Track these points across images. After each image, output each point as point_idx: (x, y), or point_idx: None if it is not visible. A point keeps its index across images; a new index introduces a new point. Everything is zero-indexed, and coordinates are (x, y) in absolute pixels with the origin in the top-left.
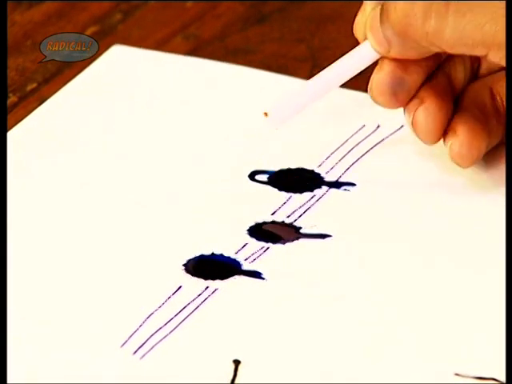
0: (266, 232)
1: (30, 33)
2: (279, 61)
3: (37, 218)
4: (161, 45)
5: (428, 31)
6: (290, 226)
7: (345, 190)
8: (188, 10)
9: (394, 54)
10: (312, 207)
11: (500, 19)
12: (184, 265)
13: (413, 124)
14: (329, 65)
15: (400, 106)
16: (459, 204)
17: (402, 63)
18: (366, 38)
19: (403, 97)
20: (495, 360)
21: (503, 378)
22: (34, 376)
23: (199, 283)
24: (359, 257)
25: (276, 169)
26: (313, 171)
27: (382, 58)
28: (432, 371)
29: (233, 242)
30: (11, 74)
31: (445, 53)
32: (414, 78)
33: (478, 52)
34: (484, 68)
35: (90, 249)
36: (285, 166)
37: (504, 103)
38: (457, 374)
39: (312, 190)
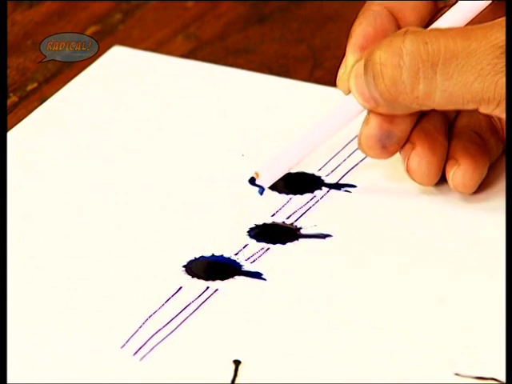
0: (266, 233)
1: (31, 32)
2: (280, 61)
3: (37, 218)
4: (161, 45)
5: (418, 96)
6: (290, 226)
7: (345, 191)
8: (188, 9)
9: (381, 111)
10: (312, 208)
11: (487, 76)
12: (184, 266)
13: (407, 170)
14: (330, 63)
15: (392, 156)
16: (459, 206)
17: (389, 116)
18: (349, 92)
19: (393, 148)
20: (495, 360)
21: (503, 378)
22: (33, 376)
23: (199, 284)
24: (359, 257)
25: None
26: (313, 175)
27: (369, 111)
28: (432, 371)
29: (233, 243)
30: (12, 73)
31: None
32: (403, 127)
33: (468, 107)
34: None
35: (91, 249)
36: None
37: (500, 120)
38: (457, 374)
39: (312, 192)
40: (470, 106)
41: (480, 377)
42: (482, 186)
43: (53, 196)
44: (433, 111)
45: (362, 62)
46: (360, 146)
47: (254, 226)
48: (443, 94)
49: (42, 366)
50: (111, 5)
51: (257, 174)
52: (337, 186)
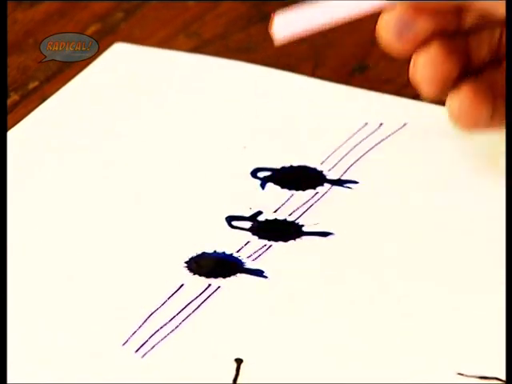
0: (268, 230)
1: (32, 31)
2: (282, 59)
3: (39, 216)
4: (163, 43)
5: None
6: (293, 223)
7: (347, 187)
8: (190, 8)
9: None
10: (314, 205)
11: None
12: (186, 263)
13: (413, 65)
14: (332, 62)
15: (400, 51)
16: (461, 202)
17: (415, 9)
18: None
19: (408, 40)
20: (498, 359)
21: None
22: (34, 376)
23: (201, 281)
24: (362, 254)
25: (279, 166)
26: (315, 169)
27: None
28: (435, 371)
29: (235, 240)
30: (13, 72)
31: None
32: (424, 25)
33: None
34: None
35: (92, 247)
36: (287, 164)
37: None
38: (460, 374)
39: (314, 188)
40: None
41: (483, 376)
42: (483, 184)
43: (54, 194)
44: (459, 42)
45: None
46: (378, 31)
47: (255, 222)
48: None
49: (43, 363)
50: (112, 4)
51: (272, 21)
52: (339, 183)
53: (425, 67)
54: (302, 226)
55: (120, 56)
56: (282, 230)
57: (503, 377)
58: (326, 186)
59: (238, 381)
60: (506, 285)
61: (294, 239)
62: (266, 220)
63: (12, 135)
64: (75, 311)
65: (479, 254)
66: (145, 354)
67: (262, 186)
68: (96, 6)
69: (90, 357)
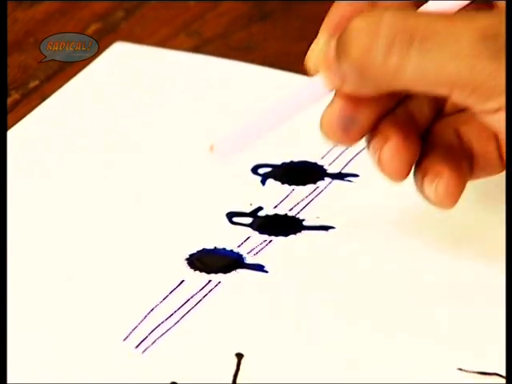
0: (269, 225)
1: (32, 30)
2: (282, 59)
3: (39, 214)
4: (163, 43)
5: (389, 69)
6: (293, 218)
7: (348, 181)
8: (190, 7)
9: (347, 90)
10: (315, 199)
11: (465, 58)
12: (186, 259)
13: (379, 163)
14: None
15: (352, 143)
16: (463, 196)
17: (355, 99)
18: (317, 72)
19: (355, 134)
20: (499, 355)
21: None
22: (34, 373)
23: (202, 277)
24: (363, 248)
25: (279, 162)
26: (316, 163)
27: (335, 92)
28: (435, 367)
29: (235, 236)
30: (13, 71)
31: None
32: (367, 114)
33: (440, 92)
34: (449, 106)
35: (93, 244)
36: (288, 159)
37: (473, 145)
38: (460, 369)
39: (315, 183)
40: (442, 90)
41: (483, 372)
42: (483, 181)
43: (54, 192)
44: (403, 113)
45: (332, 39)
46: (321, 128)
47: (256, 217)
48: (416, 70)
49: (43, 362)
50: (113, 3)
51: (211, 147)
52: (339, 176)
53: (392, 160)
54: (303, 220)
55: (120, 55)
56: (282, 225)
57: (503, 372)
58: (327, 180)
59: (239, 376)
60: (506, 282)
61: (295, 233)
62: (267, 215)
63: (12, 134)
64: (75, 307)
65: (480, 252)
66: (145, 350)
67: (263, 182)
68: (96, 5)
69: (90, 353)
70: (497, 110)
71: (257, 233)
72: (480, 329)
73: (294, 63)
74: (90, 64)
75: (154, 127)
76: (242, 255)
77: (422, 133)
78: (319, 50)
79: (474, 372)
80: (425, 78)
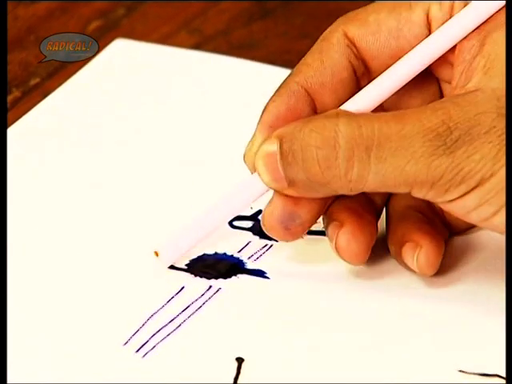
0: None
1: (34, 28)
2: (283, 56)
3: (39, 213)
4: (164, 40)
5: (351, 179)
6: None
7: None
8: (192, 5)
9: (292, 194)
10: None
11: (420, 159)
12: (187, 265)
13: (336, 249)
14: None
15: (296, 239)
16: None
17: (294, 197)
18: (254, 171)
19: (297, 230)
20: (499, 357)
21: None
22: (34, 376)
23: (202, 283)
24: None
25: None
26: None
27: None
28: (436, 368)
29: (236, 241)
30: (14, 68)
31: None
32: (308, 209)
33: (401, 191)
34: None
35: (93, 247)
36: None
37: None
38: (461, 371)
39: None
40: (403, 190)
41: (484, 374)
42: None
43: (55, 190)
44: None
45: (273, 140)
46: (263, 226)
47: (256, 222)
48: (376, 176)
49: (43, 363)
50: (114, 0)
51: (156, 252)
52: None
53: (348, 246)
54: None
55: (121, 52)
56: None
57: (504, 374)
58: None
59: (239, 380)
60: (506, 282)
61: None
62: None
63: (13, 131)
64: (76, 311)
65: (480, 251)
66: (145, 354)
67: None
68: (97, 3)
69: (90, 357)
70: (455, 199)
71: (257, 237)
72: (480, 330)
73: (295, 60)
74: (90, 61)
75: (154, 124)
76: (242, 260)
77: (379, 210)
78: (259, 151)
79: (474, 373)
80: (385, 182)
